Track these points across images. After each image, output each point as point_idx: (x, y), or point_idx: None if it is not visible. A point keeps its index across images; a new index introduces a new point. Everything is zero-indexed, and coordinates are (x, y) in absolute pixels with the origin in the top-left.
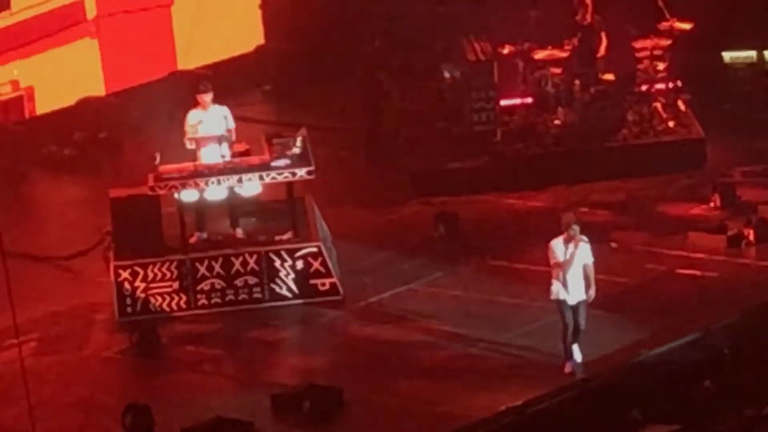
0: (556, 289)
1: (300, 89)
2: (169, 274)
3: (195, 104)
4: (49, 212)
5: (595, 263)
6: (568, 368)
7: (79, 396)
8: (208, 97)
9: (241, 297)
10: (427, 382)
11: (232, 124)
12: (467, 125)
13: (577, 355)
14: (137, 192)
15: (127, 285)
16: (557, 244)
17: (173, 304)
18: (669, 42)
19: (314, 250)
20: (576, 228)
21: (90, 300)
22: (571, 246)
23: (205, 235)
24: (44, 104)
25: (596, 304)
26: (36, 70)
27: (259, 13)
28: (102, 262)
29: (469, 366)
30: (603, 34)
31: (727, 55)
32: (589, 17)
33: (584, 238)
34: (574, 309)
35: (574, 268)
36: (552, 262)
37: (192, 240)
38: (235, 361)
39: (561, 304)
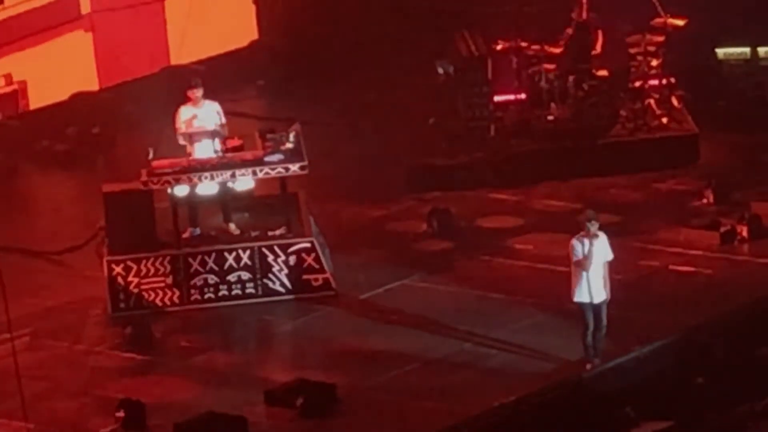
0: (580, 290)
1: (293, 84)
2: (162, 269)
3: (186, 100)
4: (42, 207)
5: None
6: (589, 367)
7: (72, 391)
8: (198, 92)
9: (234, 292)
10: (420, 378)
11: (223, 120)
12: (461, 121)
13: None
14: (130, 187)
15: (120, 280)
16: (577, 242)
17: (166, 299)
18: (662, 38)
19: (307, 245)
20: (595, 224)
21: (83, 295)
22: (587, 242)
23: (198, 231)
24: (37, 99)
25: None
26: (29, 64)
27: (252, 7)
28: (95, 257)
29: (463, 362)
30: (599, 31)
31: (721, 52)
32: (584, 14)
33: (601, 233)
34: (596, 309)
35: (594, 266)
36: (573, 260)
37: (185, 235)
38: (228, 356)
39: (583, 306)
